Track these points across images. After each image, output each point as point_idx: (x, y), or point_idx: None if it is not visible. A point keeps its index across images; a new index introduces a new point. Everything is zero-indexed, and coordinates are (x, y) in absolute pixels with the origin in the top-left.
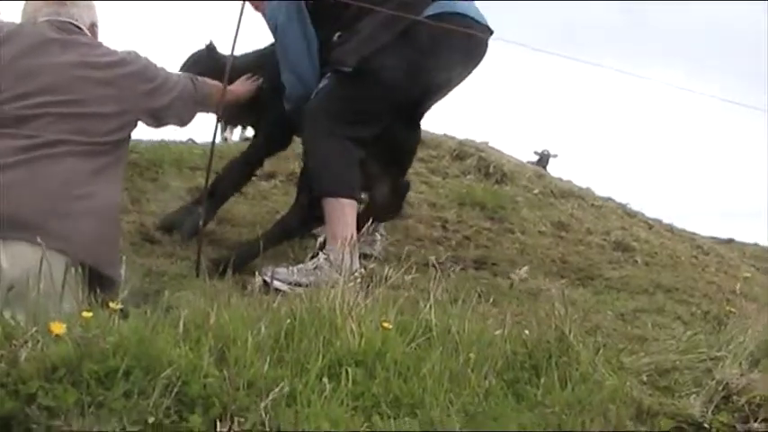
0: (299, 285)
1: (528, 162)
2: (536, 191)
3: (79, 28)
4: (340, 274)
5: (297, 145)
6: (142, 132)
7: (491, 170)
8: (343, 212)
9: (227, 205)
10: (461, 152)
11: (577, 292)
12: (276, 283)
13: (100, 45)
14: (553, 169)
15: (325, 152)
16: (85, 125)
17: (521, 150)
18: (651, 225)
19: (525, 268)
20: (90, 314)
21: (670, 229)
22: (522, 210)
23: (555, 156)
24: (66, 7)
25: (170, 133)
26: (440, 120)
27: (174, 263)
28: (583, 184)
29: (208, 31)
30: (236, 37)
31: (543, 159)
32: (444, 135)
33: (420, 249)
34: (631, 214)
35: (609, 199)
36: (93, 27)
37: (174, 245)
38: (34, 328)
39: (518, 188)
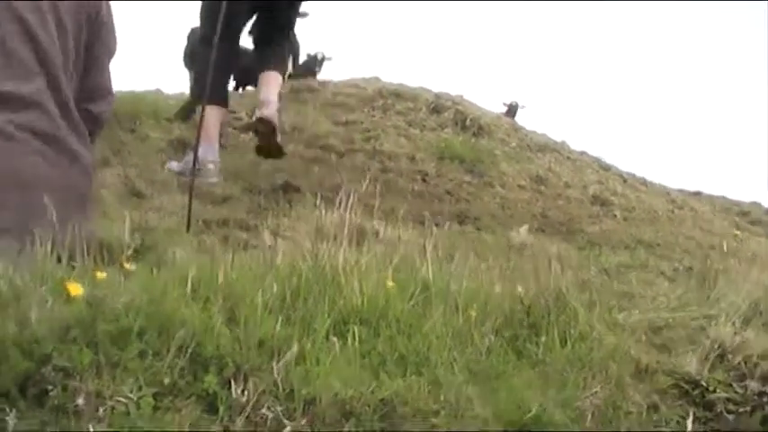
0: (182, 174)
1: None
2: (513, 144)
3: None
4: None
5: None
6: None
7: (468, 123)
8: (210, 116)
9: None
10: (438, 105)
11: (561, 247)
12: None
13: None
14: (522, 120)
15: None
16: None
17: (492, 102)
18: (626, 179)
19: (525, 227)
20: (104, 275)
21: (644, 182)
22: (501, 163)
23: (523, 107)
24: None
25: (140, 84)
26: (414, 72)
27: (162, 218)
28: (557, 137)
29: None
30: None
31: (512, 110)
32: (420, 87)
33: (402, 204)
34: (606, 168)
35: (584, 153)
36: None
37: (160, 198)
38: (43, 288)
39: (495, 141)
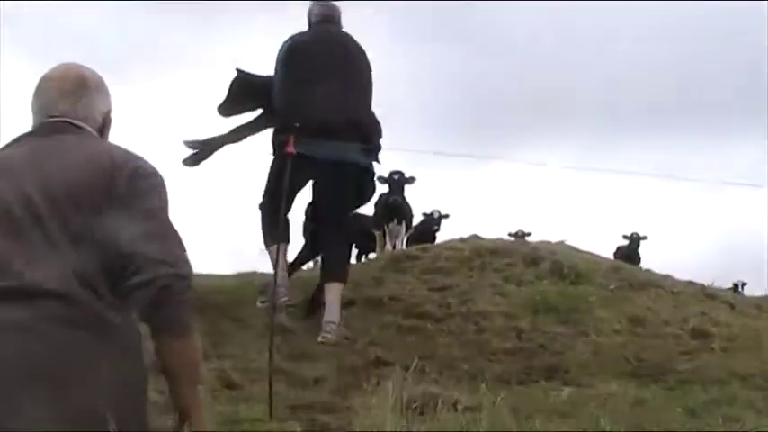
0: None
1: (618, 247)
2: (611, 286)
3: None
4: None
5: (371, 271)
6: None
7: (565, 271)
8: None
9: (306, 339)
10: (535, 257)
11: (648, 390)
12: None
13: None
14: (644, 250)
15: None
16: None
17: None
18: (733, 305)
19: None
20: None
21: (758, 305)
22: (597, 309)
23: (645, 237)
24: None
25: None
26: (519, 224)
27: (251, 407)
28: (664, 269)
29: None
30: None
31: (633, 242)
32: (517, 241)
33: (494, 364)
34: (712, 296)
35: (690, 283)
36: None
37: (252, 387)
38: None
39: (593, 286)
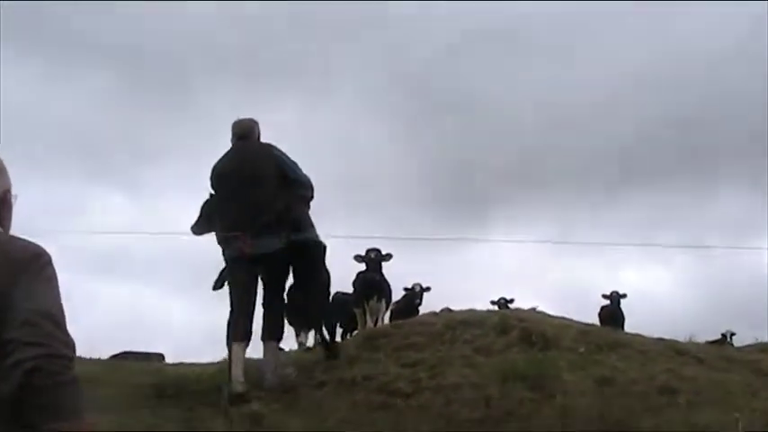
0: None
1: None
2: (581, 350)
3: None
4: None
5: (346, 350)
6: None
7: (533, 339)
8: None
9: (278, 422)
10: (505, 326)
11: None
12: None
13: None
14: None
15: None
16: None
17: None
18: (702, 359)
19: None
20: None
21: (729, 358)
22: (564, 373)
23: (624, 296)
24: None
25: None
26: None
27: None
28: (650, 326)
29: None
30: None
31: (613, 301)
32: (488, 311)
33: None
34: (682, 352)
35: (659, 340)
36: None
37: None
38: None
39: (561, 351)
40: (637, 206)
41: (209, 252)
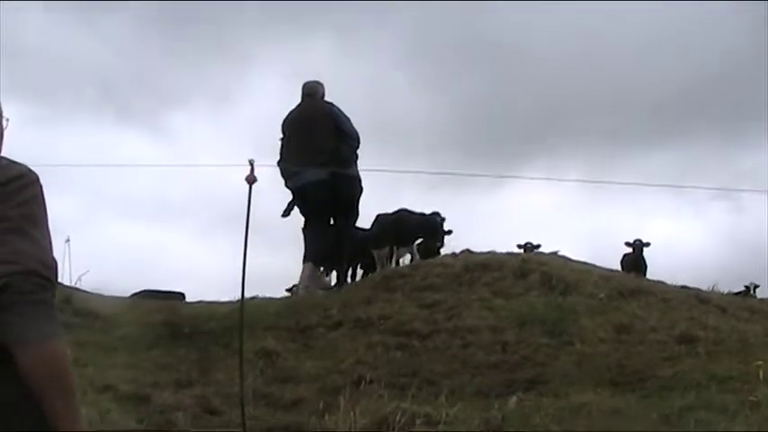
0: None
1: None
2: (601, 295)
3: None
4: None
5: (362, 291)
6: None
7: (554, 283)
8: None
9: (293, 362)
10: (525, 270)
11: (624, 399)
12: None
13: None
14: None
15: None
16: None
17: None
18: (725, 309)
19: (513, 399)
20: None
21: (751, 308)
22: (583, 319)
23: (648, 244)
24: None
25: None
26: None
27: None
28: (672, 276)
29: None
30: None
31: (636, 249)
32: (508, 254)
33: (476, 378)
34: (705, 300)
35: (682, 288)
36: None
37: (231, 412)
38: None
39: (582, 296)
40: (671, 154)
41: (236, 194)
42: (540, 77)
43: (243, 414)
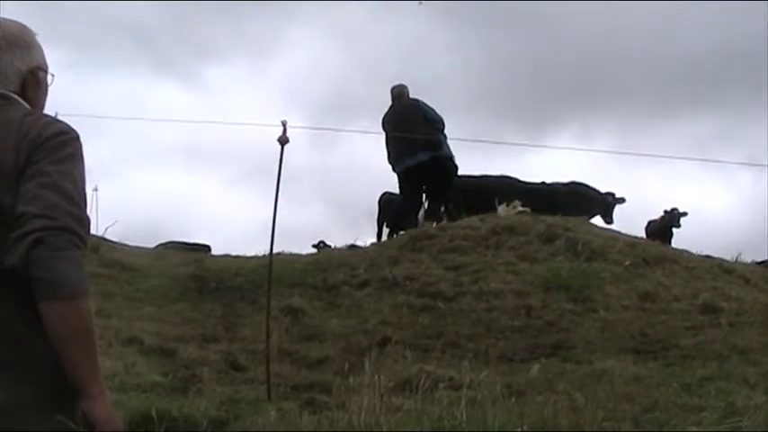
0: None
1: (649, 221)
2: (627, 262)
3: None
4: None
5: (389, 251)
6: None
7: (579, 248)
8: None
9: (318, 320)
10: (551, 234)
11: (646, 366)
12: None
13: None
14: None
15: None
16: None
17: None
18: (749, 279)
19: (537, 366)
20: None
21: None
22: (608, 286)
23: (685, 213)
24: None
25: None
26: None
27: (254, 388)
28: (696, 245)
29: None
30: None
31: (674, 219)
32: (534, 218)
33: (499, 342)
34: (729, 270)
35: (706, 258)
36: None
37: (256, 369)
38: None
39: (607, 263)
40: (700, 123)
41: (265, 150)
42: (575, 43)
43: (268, 371)
